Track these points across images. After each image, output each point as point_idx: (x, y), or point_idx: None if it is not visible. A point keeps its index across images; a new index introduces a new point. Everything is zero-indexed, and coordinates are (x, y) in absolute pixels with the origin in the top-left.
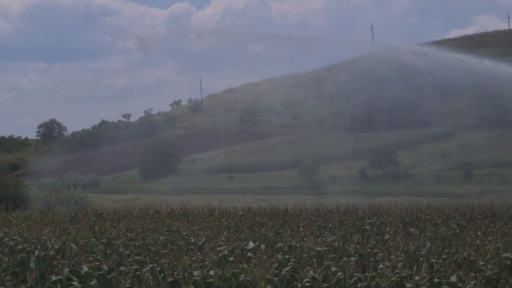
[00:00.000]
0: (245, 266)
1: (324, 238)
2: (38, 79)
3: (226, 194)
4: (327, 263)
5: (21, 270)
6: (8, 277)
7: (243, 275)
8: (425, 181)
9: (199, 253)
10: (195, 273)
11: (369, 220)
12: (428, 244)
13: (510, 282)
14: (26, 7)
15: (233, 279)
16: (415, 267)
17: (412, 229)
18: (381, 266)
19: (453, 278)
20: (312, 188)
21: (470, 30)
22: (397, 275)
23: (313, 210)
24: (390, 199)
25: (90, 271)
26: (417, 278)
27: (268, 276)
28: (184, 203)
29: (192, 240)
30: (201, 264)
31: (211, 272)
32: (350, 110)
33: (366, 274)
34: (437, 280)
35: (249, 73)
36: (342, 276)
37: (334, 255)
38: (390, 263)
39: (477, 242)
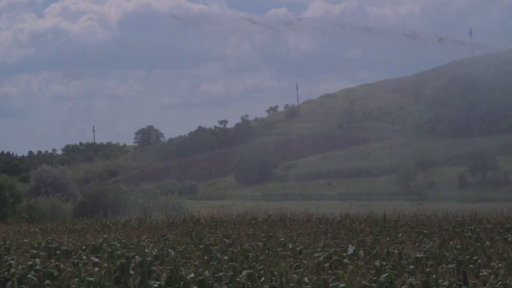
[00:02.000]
0: (341, 272)
1: (422, 245)
2: (136, 86)
3: (323, 200)
4: (426, 269)
5: (120, 275)
6: (108, 283)
7: (335, 282)
8: None
9: (294, 259)
10: (292, 278)
11: (469, 227)
12: None
13: None
14: (125, 14)
15: (325, 285)
16: None
17: (510, 236)
18: (484, 273)
19: None
20: (410, 194)
21: None
22: (499, 283)
23: (411, 216)
24: (489, 205)
25: (194, 277)
26: None
27: (364, 283)
28: (281, 209)
29: (290, 246)
30: (297, 270)
31: (305, 279)
32: (448, 115)
33: (468, 281)
34: None
35: (345, 79)
36: (444, 283)
37: (432, 262)
38: (491, 270)
39: None
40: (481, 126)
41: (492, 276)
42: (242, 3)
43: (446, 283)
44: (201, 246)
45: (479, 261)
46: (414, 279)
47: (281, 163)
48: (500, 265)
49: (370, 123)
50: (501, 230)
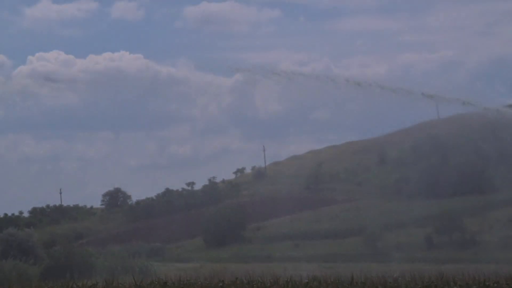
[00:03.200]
0: None
1: None
2: (104, 148)
3: (291, 262)
4: None
5: None
6: None
7: None
8: (492, 248)
9: None
10: None
11: None
12: None
13: None
14: (93, 77)
15: None
16: None
17: None
18: None
19: None
20: (377, 255)
21: None
22: None
23: (379, 278)
24: (456, 267)
25: None
26: None
27: None
28: (248, 271)
29: None
30: None
31: None
32: (414, 176)
33: None
34: None
35: (313, 140)
36: None
37: None
38: None
39: None
40: (448, 187)
41: None
42: (209, 65)
43: None
44: None
45: None
46: None
47: (248, 225)
48: None
49: (337, 184)
50: None
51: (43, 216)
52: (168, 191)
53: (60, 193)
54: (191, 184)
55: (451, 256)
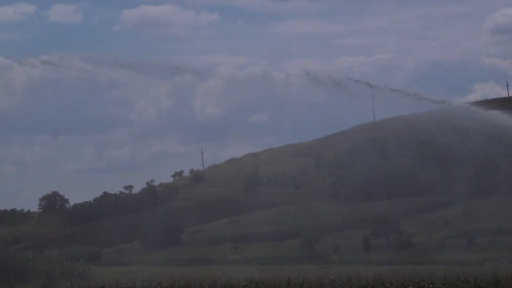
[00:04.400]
0: None
1: None
2: (42, 152)
3: (230, 265)
4: None
5: None
6: None
7: None
8: (428, 250)
9: None
10: None
11: None
12: None
13: None
14: (30, 80)
15: None
16: None
17: None
18: None
19: None
20: (315, 257)
21: (471, 98)
22: None
23: (316, 280)
24: (393, 268)
25: None
26: None
27: None
28: (187, 274)
29: None
30: None
31: None
32: (351, 179)
33: None
34: None
35: (251, 144)
36: None
37: None
38: None
39: None
40: (384, 190)
41: None
42: (149, 67)
43: None
44: None
45: None
46: None
47: (187, 228)
48: None
49: (275, 187)
50: None
51: None
52: (106, 195)
53: None
54: (129, 187)
55: (388, 258)
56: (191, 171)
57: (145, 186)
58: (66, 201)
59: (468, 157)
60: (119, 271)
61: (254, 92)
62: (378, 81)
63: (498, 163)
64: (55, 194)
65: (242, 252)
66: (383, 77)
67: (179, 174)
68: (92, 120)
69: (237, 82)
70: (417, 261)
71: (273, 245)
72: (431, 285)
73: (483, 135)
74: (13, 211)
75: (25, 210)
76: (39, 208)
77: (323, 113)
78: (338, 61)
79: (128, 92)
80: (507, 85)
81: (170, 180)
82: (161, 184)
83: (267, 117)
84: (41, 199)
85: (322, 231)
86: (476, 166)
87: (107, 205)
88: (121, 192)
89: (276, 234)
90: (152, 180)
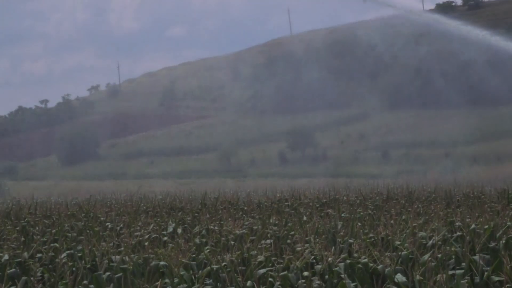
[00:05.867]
0: (162, 250)
1: (242, 221)
2: None
3: (146, 179)
4: (245, 246)
5: None
6: None
7: (155, 261)
8: (343, 162)
9: (116, 239)
10: (113, 258)
11: (287, 203)
12: (340, 225)
13: (422, 260)
14: None
15: (145, 264)
16: (333, 248)
17: (329, 210)
18: (299, 248)
19: (364, 259)
20: (231, 171)
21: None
22: (313, 257)
23: (232, 193)
24: (308, 181)
25: (8, 259)
26: (330, 259)
27: (184, 260)
28: (103, 189)
29: (109, 226)
30: (117, 250)
31: (126, 258)
32: (268, 93)
33: (284, 256)
34: (349, 261)
35: (168, 57)
36: (260, 259)
37: (253, 238)
38: (307, 245)
39: (391, 222)
40: (300, 104)
41: (306, 250)
42: None
43: (261, 258)
44: (17, 228)
45: (297, 236)
46: (232, 256)
47: (103, 142)
48: (316, 239)
49: (192, 101)
50: (317, 205)
51: None
52: (21, 109)
53: None
54: (45, 101)
55: (303, 171)
56: (107, 85)
57: (61, 100)
58: None
59: (382, 71)
60: (35, 186)
61: (171, 5)
62: None
63: (413, 76)
64: None
65: (158, 166)
66: None
67: (95, 88)
68: (6, 33)
69: None
70: (333, 174)
71: (190, 159)
72: (345, 198)
73: (398, 49)
74: None
75: None
76: None
77: (240, 27)
78: None
79: (43, 4)
80: None
81: (86, 94)
82: (77, 98)
83: (184, 31)
84: None
85: (238, 145)
86: (390, 79)
87: (22, 119)
88: (36, 107)
89: (193, 148)
90: (68, 94)
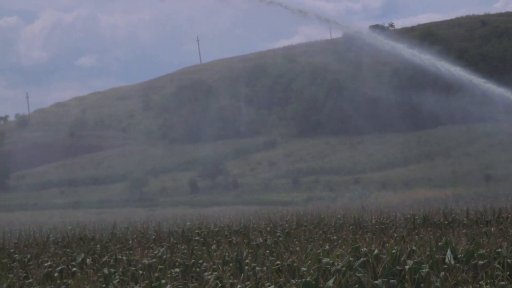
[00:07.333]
0: (70, 281)
1: (151, 250)
2: None
3: (57, 209)
4: (155, 275)
5: None
6: None
7: None
8: (254, 190)
9: (24, 270)
10: None
11: (197, 231)
12: (247, 252)
13: (326, 286)
14: None
15: None
16: (242, 275)
17: (236, 239)
18: (206, 276)
19: (269, 286)
20: (143, 200)
21: (295, 40)
22: (220, 285)
23: (143, 223)
24: (219, 209)
25: None
26: (239, 286)
27: None
28: (12, 220)
29: (17, 257)
30: (26, 281)
31: None
32: (178, 122)
33: (189, 285)
34: None
35: (78, 87)
36: None
37: (161, 267)
38: (215, 273)
39: (297, 248)
40: (210, 132)
41: (212, 278)
42: None
43: (169, 287)
44: None
45: (205, 264)
46: (140, 286)
47: (12, 173)
48: (224, 267)
49: (102, 131)
50: (227, 233)
51: None
52: None
53: None
54: None
55: (214, 199)
56: (17, 115)
57: None
58: None
59: (291, 98)
60: None
61: (80, 34)
62: (204, 25)
63: (321, 104)
64: None
65: (69, 196)
66: (210, 18)
67: (4, 119)
68: None
69: (63, 25)
70: (244, 202)
71: (101, 188)
72: (255, 225)
73: (306, 77)
74: None
75: None
76: None
77: (150, 56)
78: (164, 3)
79: None
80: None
81: None
82: None
83: (94, 60)
84: None
85: (149, 174)
86: (299, 107)
87: None
88: None
89: (104, 177)
90: None
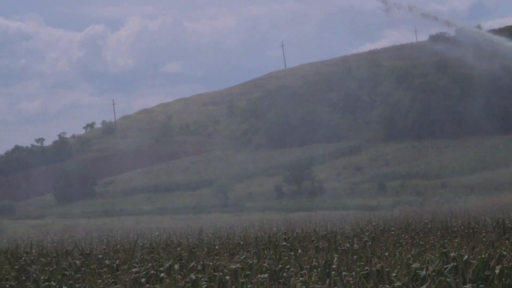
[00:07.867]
0: (158, 287)
1: (237, 256)
2: None
3: (143, 215)
4: (241, 280)
5: None
6: None
7: None
8: (339, 195)
9: (110, 276)
10: None
11: (283, 236)
12: (336, 257)
13: None
14: None
15: None
16: (327, 280)
17: (323, 244)
18: (294, 281)
19: None
20: (228, 206)
21: (382, 43)
22: None
23: (229, 228)
24: (305, 214)
25: None
26: None
27: None
28: (100, 226)
29: (107, 263)
30: (114, 287)
31: None
32: (263, 127)
33: None
34: None
35: (163, 94)
36: None
37: (248, 272)
38: (302, 278)
39: (386, 254)
40: (296, 137)
41: (299, 284)
42: (60, 19)
43: None
44: (16, 267)
45: (292, 269)
46: None
47: (100, 180)
48: (311, 273)
49: (187, 137)
50: (313, 239)
51: None
52: (17, 148)
53: None
54: (41, 140)
55: (300, 204)
56: (103, 122)
57: (56, 138)
58: None
59: (377, 102)
60: (32, 224)
61: (166, 41)
62: (288, 29)
63: (408, 108)
64: None
65: (155, 202)
66: (293, 25)
67: (90, 125)
68: (2, 72)
69: (148, 32)
70: (329, 207)
71: (187, 194)
72: (341, 230)
73: (392, 80)
74: None
75: None
76: None
77: (234, 62)
78: (247, 9)
79: (39, 43)
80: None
81: (82, 132)
82: (73, 136)
83: (180, 66)
84: None
85: (235, 179)
86: (385, 111)
87: (19, 158)
88: (32, 145)
89: (190, 183)
90: (63, 132)
